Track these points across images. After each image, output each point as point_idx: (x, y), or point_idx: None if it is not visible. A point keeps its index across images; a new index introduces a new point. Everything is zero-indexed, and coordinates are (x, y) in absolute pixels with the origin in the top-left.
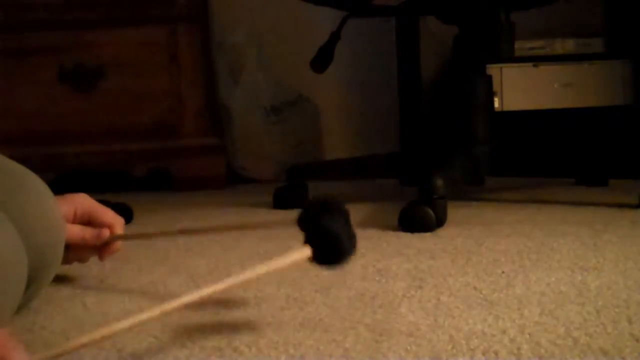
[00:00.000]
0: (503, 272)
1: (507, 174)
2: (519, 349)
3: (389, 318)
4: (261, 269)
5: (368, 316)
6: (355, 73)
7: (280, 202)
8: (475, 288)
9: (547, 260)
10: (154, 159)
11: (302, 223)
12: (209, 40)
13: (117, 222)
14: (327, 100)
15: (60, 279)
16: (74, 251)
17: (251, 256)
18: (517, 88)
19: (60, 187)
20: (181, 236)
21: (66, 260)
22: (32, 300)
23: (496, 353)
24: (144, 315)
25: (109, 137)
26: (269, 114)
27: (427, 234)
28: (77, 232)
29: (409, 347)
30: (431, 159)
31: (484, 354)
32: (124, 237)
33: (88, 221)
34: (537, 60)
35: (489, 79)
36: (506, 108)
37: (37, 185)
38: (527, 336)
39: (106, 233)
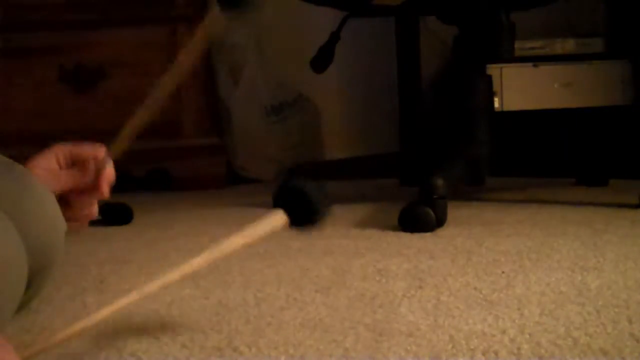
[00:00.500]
0: (503, 272)
1: (507, 174)
2: (519, 349)
3: (389, 318)
4: (237, 240)
5: (368, 316)
6: (355, 73)
7: None
8: (475, 288)
9: (547, 260)
10: (154, 159)
11: (275, 193)
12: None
13: (97, 149)
14: (327, 100)
15: (60, 279)
16: (72, 205)
17: (251, 256)
18: (517, 88)
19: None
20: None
21: (69, 218)
22: (32, 300)
23: (496, 353)
24: (122, 301)
25: (109, 137)
26: (269, 114)
27: (427, 234)
28: (68, 179)
29: (409, 347)
30: (431, 159)
31: (484, 354)
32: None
33: (72, 165)
34: (537, 60)
35: (489, 79)
36: (506, 108)
37: (36, 185)
38: (527, 336)
39: (93, 165)
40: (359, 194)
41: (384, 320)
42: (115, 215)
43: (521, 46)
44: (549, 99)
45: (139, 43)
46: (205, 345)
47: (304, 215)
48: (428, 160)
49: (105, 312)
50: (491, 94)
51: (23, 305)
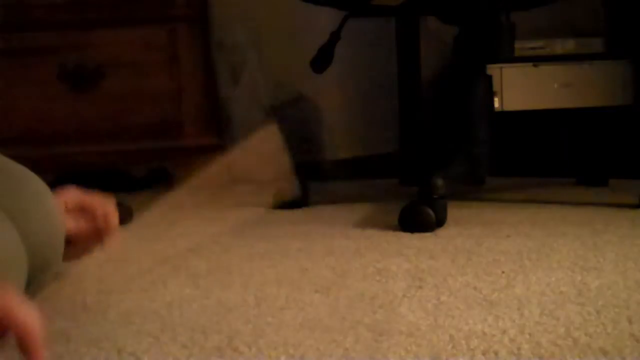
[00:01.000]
0: (503, 272)
1: (507, 174)
2: (519, 349)
3: (389, 318)
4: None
5: (368, 316)
6: (355, 73)
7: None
8: (475, 288)
9: (547, 260)
10: (154, 159)
11: None
12: (209, 40)
13: (107, 203)
14: (327, 100)
15: (60, 279)
16: (73, 245)
17: (251, 256)
18: (517, 88)
19: (60, 187)
20: None
21: (67, 256)
22: (32, 299)
23: (496, 353)
24: None
25: (109, 137)
26: (269, 113)
27: (427, 234)
28: (73, 223)
29: (409, 347)
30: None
31: (484, 354)
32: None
33: (80, 212)
34: (537, 60)
35: (489, 79)
36: (506, 108)
37: (36, 185)
38: (527, 336)
39: (100, 216)
40: (359, 194)
41: (384, 320)
42: None
43: (521, 46)
44: (549, 99)
45: (139, 43)
46: (205, 345)
47: None
48: (428, 160)
49: None
50: (491, 94)
51: None
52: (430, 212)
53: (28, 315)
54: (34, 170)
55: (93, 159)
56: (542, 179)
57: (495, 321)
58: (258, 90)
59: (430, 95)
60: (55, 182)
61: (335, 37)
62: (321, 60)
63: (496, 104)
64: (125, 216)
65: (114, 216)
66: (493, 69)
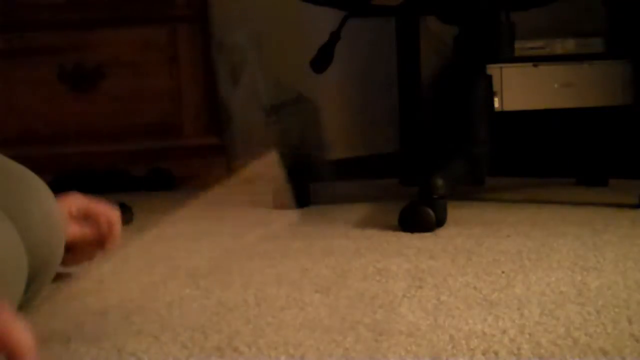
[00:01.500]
0: (503, 272)
1: (507, 174)
2: (519, 349)
3: (389, 318)
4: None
5: (368, 316)
6: (355, 73)
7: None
8: (475, 288)
9: (547, 260)
10: (154, 159)
11: None
12: (209, 40)
13: (111, 212)
14: (327, 100)
15: (60, 279)
16: (76, 251)
17: (251, 256)
18: (517, 88)
19: (60, 187)
20: None
21: (69, 262)
22: (32, 300)
23: (496, 353)
24: None
25: (109, 137)
26: (269, 113)
27: (427, 234)
28: (76, 230)
29: (409, 347)
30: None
31: (484, 354)
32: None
33: (84, 219)
34: (537, 60)
35: (489, 79)
36: (506, 108)
37: (37, 185)
38: (527, 336)
39: (104, 223)
40: (358, 194)
41: (384, 320)
42: None
43: (521, 46)
44: (549, 99)
45: (139, 43)
46: (205, 345)
47: None
48: (428, 160)
49: None
50: (491, 94)
51: (23, 305)
52: (430, 212)
53: (22, 336)
54: (34, 170)
55: (93, 159)
56: (542, 179)
57: (495, 321)
58: (258, 90)
59: (430, 95)
60: (55, 183)
61: (335, 37)
62: (321, 60)
63: (496, 104)
64: (126, 216)
65: (117, 223)
66: (493, 69)
